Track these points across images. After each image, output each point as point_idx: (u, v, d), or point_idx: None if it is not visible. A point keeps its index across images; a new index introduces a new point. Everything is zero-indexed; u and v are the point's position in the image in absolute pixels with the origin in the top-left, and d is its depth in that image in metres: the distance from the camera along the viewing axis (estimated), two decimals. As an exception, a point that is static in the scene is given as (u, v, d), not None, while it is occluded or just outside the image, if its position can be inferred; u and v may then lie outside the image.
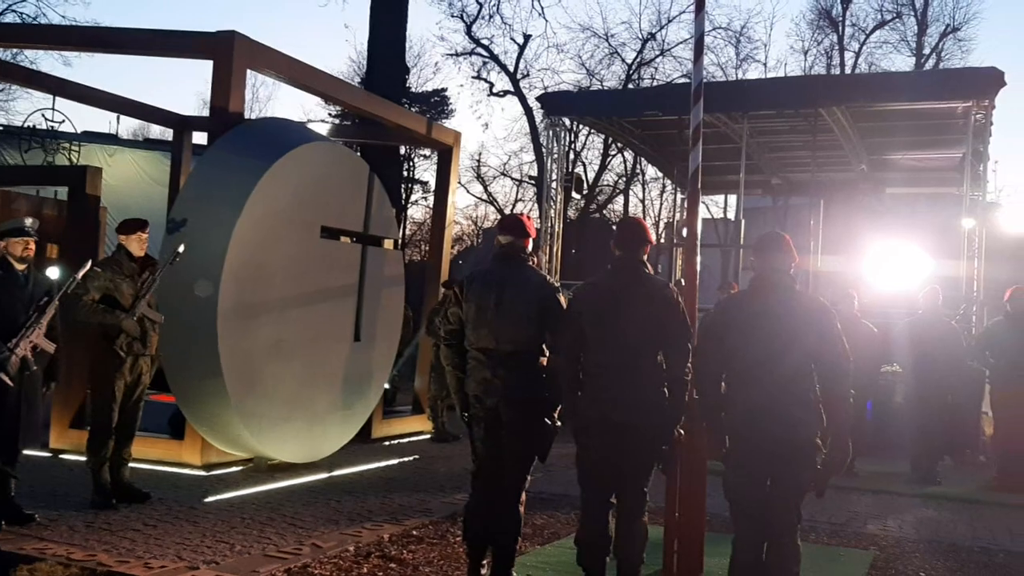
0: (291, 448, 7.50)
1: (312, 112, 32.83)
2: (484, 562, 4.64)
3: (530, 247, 4.71)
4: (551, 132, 14.09)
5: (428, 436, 9.98)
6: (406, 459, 8.59)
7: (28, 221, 5.60)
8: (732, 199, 18.88)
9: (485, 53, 28.38)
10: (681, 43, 28.01)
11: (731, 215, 19.24)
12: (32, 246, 5.55)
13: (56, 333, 5.59)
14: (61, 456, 7.51)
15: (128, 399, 6.12)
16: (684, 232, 13.18)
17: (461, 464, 7.37)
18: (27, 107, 48.58)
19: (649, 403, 4.27)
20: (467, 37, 28.12)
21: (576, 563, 4.41)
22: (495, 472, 4.58)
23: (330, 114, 27.95)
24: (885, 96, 12.11)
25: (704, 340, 4.39)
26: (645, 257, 4.44)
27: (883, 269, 12.50)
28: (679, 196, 16.88)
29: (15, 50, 18.51)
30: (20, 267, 5.49)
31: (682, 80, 25.23)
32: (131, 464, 6.32)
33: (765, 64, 30.02)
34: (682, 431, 4.46)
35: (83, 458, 6.30)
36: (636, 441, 4.27)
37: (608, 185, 30.67)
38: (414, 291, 10.94)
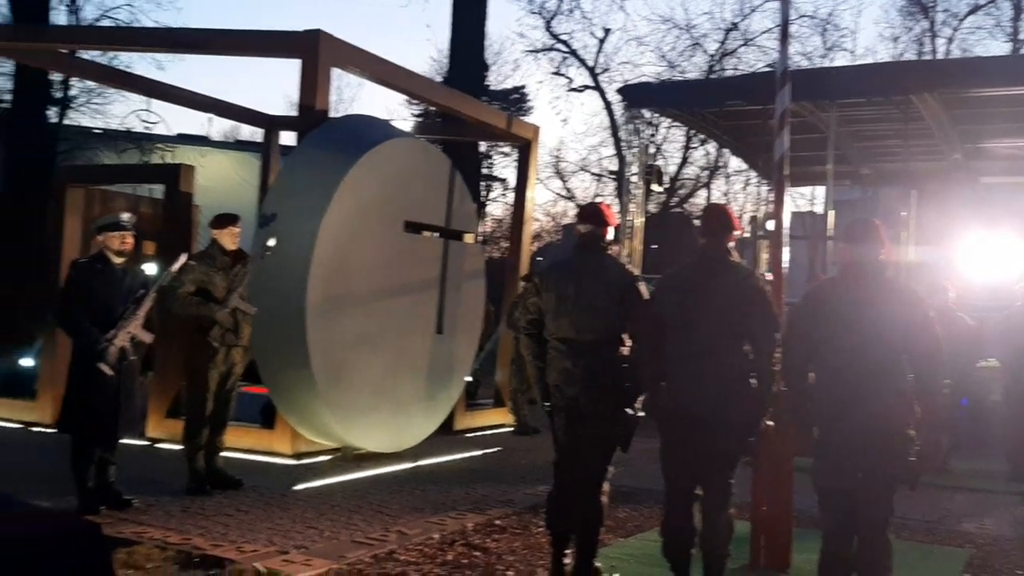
0: (376, 438, 7.63)
1: (395, 112, 33.24)
2: (567, 552, 4.64)
3: (610, 235, 4.68)
4: (631, 125, 13.97)
5: (510, 429, 10.02)
6: (488, 451, 8.66)
7: (125, 216, 5.81)
8: (819, 191, 18.44)
9: (564, 48, 28.28)
10: (765, 32, 27.39)
11: (817, 208, 18.81)
12: (129, 240, 5.74)
13: (153, 324, 5.79)
14: (157, 445, 7.79)
15: (221, 389, 6.31)
16: (769, 225, 12.95)
17: (542, 456, 7.36)
18: (123, 111, 50.46)
19: (731, 394, 4.20)
20: (546, 33, 28.06)
21: (661, 555, 4.38)
22: (577, 462, 4.58)
23: (412, 114, 28.30)
24: (980, 81, 11.63)
25: (791, 330, 4.30)
26: (731, 245, 4.37)
27: (978, 261, 12.03)
28: (764, 189, 16.58)
29: (111, 54, 19.25)
30: (118, 261, 5.69)
31: (766, 70, 24.72)
32: (224, 452, 6.52)
33: (853, 52, 29.16)
34: (769, 423, 4.38)
35: (179, 446, 6.53)
36: (718, 432, 4.21)
37: (690, 179, 30.26)
38: (494, 287, 11.00)
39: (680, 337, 4.26)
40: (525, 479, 7.27)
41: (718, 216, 4.48)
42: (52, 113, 20.89)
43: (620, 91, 16.78)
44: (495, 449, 8.77)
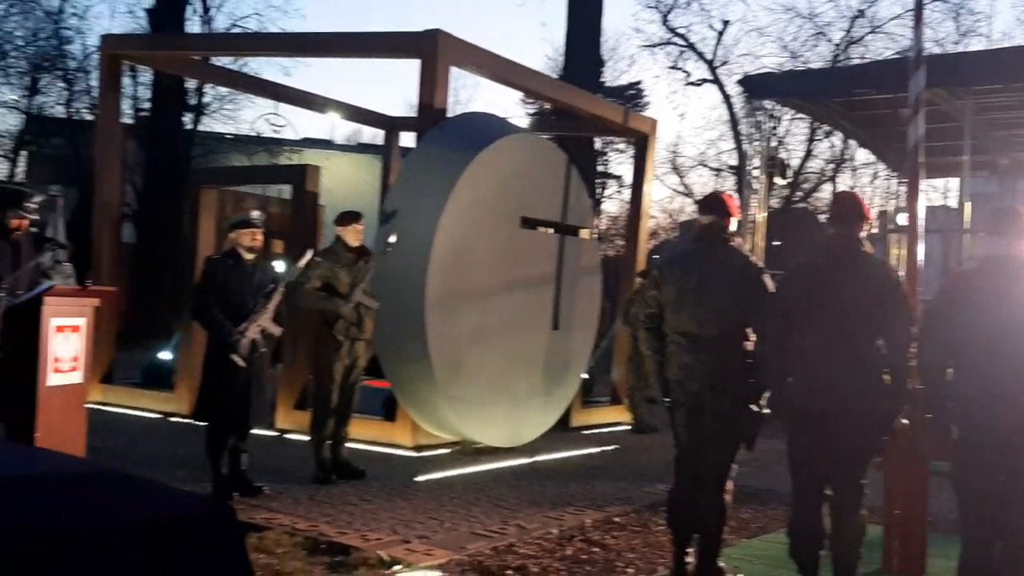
0: (494, 432, 7.69)
1: (510, 112, 33.46)
2: (689, 551, 4.55)
3: (732, 226, 4.55)
4: (752, 117, 13.61)
5: (627, 427, 9.93)
6: (606, 448, 8.59)
7: (255, 214, 6.03)
8: (952, 184, 17.52)
9: (682, 42, 27.80)
10: (894, 18, 26.19)
11: (951, 202, 17.87)
12: (259, 237, 5.96)
13: (282, 318, 5.99)
14: (286, 435, 8.06)
15: (345, 381, 6.47)
16: (900, 219, 12.40)
17: (661, 455, 7.26)
18: (252, 116, 52.54)
19: (863, 390, 4.02)
20: (663, 27, 27.66)
21: (788, 557, 4.24)
22: (698, 459, 4.47)
23: (527, 113, 28.42)
24: None
25: (928, 325, 4.08)
26: (862, 235, 4.18)
27: None
28: (894, 183, 15.87)
29: (241, 61, 20.09)
30: (248, 257, 5.91)
31: (894, 57, 23.66)
32: (348, 443, 6.69)
33: (988, 37, 27.52)
34: (904, 421, 4.17)
35: (306, 437, 6.74)
36: (849, 430, 4.04)
37: (814, 172, 29.27)
38: (610, 284, 10.93)
39: (808, 331, 4.11)
40: (644, 477, 7.18)
41: (849, 204, 4.30)
42: (187, 119, 22.00)
43: (741, 82, 16.38)
44: (612, 447, 8.70)
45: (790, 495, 4.31)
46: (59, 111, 25.16)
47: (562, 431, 8.84)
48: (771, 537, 5.36)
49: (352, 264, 6.47)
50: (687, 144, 53.39)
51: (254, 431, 6.16)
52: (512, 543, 5.06)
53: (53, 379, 5.08)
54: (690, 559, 4.53)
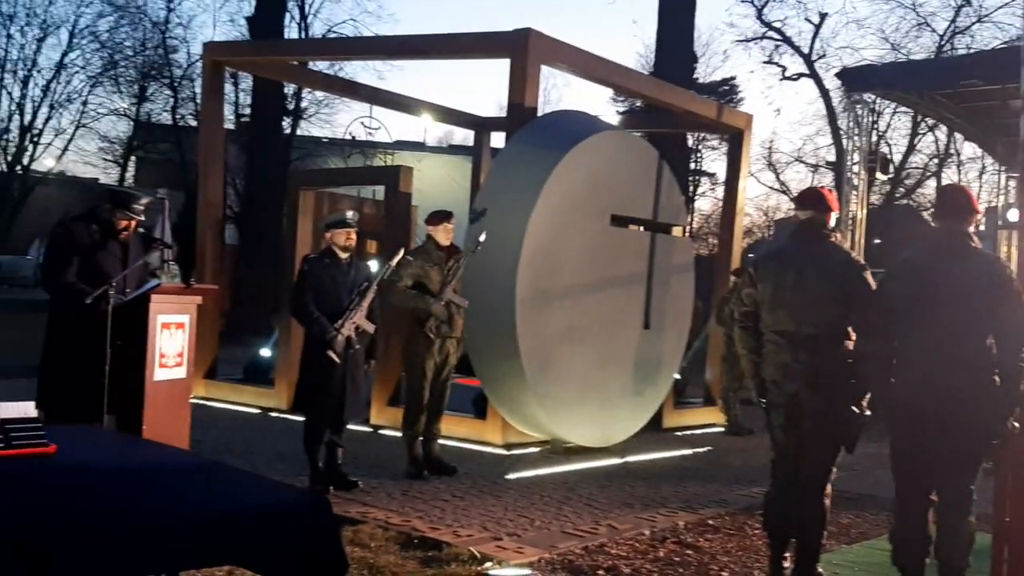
0: (584, 431, 7.65)
1: (601, 110, 33.32)
2: (786, 555, 4.43)
3: (832, 222, 4.41)
4: (852, 111, 13.18)
5: (721, 428, 9.75)
6: (699, 450, 8.46)
7: (349, 214, 6.15)
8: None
9: (777, 36, 27.18)
10: (1003, 6, 25.09)
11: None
12: (353, 236, 6.07)
13: (375, 316, 6.09)
14: (380, 431, 8.20)
15: (437, 378, 6.54)
16: (1010, 215, 11.82)
17: (756, 458, 7.12)
18: (347, 120, 53.71)
19: (972, 391, 3.84)
20: (758, 21, 27.10)
21: (891, 563, 4.09)
22: (796, 462, 4.35)
23: (617, 111, 28.22)
24: None
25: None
26: (971, 230, 3.99)
27: None
28: (1003, 177, 15.15)
29: (337, 66, 20.57)
30: (343, 256, 6.03)
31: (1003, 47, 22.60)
32: (440, 440, 6.76)
33: (1108, 23, 26.07)
34: (1016, 424, 3.97)
35: (399, 433, 6.83)
36: (957, 432, 3.86)
37: (917, 168, 28.23)
38: (703, 283, 10.76)
39: (913, 329, 3.95)
40: (739, 479, 7.04)
41: (957, 197, 4.11)
42: (286, 124, 22.64)
43: (840, 75, 15.89)
44: (705, 448, 8.56)
45: (893, 500, 4.16)
46: (166, 118, 26.30)
47: (654, 432, 8.74)
48: (873, 543, 5.18)
49: (443, 263, 6.52)
50: (783, 140, 52.25)
51: (349, 426, 6.28)
52: (603, 543, 5.02)
53: (159, 374, 5.28)
54: (787, 564, 4.41)
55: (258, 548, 2.46)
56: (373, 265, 7.05)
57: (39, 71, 24.85)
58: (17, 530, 2.13)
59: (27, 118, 24.63)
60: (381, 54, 12.74)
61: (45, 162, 27.06)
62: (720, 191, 15.72)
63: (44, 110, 24.87)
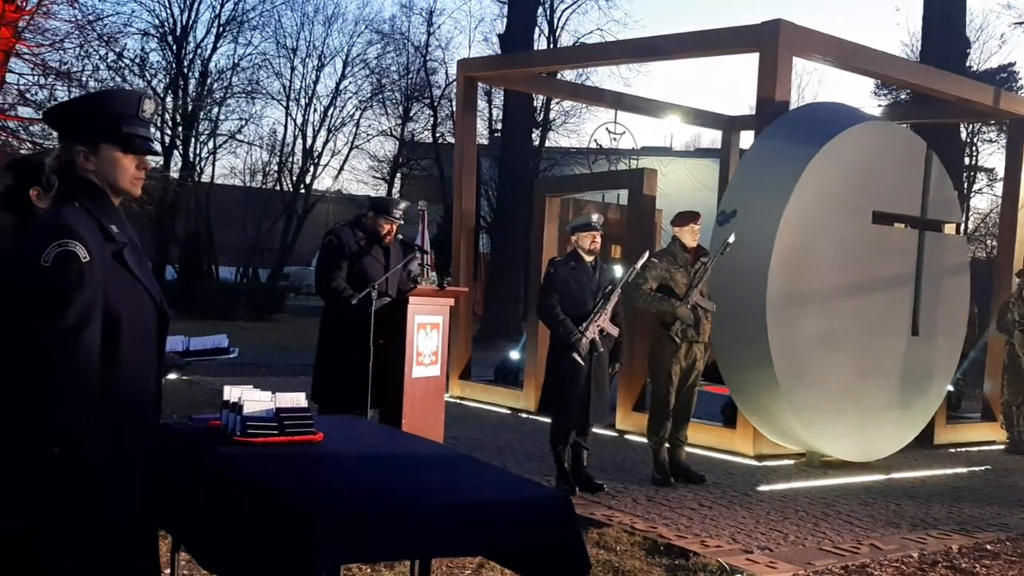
0: (843, 444, 7.19)
1: (862, 104, 31.39)
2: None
3: None
4: None
5: (1001, 446, 8.83)
6: (975, 468, 7.69)
7: (594, 217, 6.17)
8: None
9: (1066, 12, 24.31)
10: None
11: None
12: (598, 240, 6.08)
13: (619, 319, 6.07)
14: (626, 436, 8.16)
15: (683, 383, 6.39)
16: None
17: (1046, 479, 6.37)
18: (593, 128, 54.38)
19: None
20: (1043, -3, 24.39)
21: None
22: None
23: (879, 104, 26.42)
24: None
25: None
26: None
27: None
28: None
29: (584, 76, 20.88)
30: (588, 259, 6.06)
31: None
32: (687, 448, 6.61)
33: None
34: None
35: (644, 439, 6.76)
36: None
37: None
38: (979, 288, 9.78)
39: None
40: (1022, 502, 6.32)
41: None
42: (535, 136, 23.31)
43: None
44: (983, 467, 7.76)
45: None
46: (427, 136, 27.98)
47: (924, 448, 8.09)
48: None
49: (689, 265, 6.38)
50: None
51: (595, 430, 6.29)
52: (865, 563, 4.68)
53: (416, 371, 5.59)
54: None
55: (505, 540, 2.51)
56: (618, 270, 7.05)
57: (318, 98, 27.32)
58: (283, 508, 2.31)
59: (308, 141, 27.15)
60: (626, 57, 12.75)
61: (324, 181, 29.81)
62: (999, 188, 14.21)
63: (323, 134, 27.31)
